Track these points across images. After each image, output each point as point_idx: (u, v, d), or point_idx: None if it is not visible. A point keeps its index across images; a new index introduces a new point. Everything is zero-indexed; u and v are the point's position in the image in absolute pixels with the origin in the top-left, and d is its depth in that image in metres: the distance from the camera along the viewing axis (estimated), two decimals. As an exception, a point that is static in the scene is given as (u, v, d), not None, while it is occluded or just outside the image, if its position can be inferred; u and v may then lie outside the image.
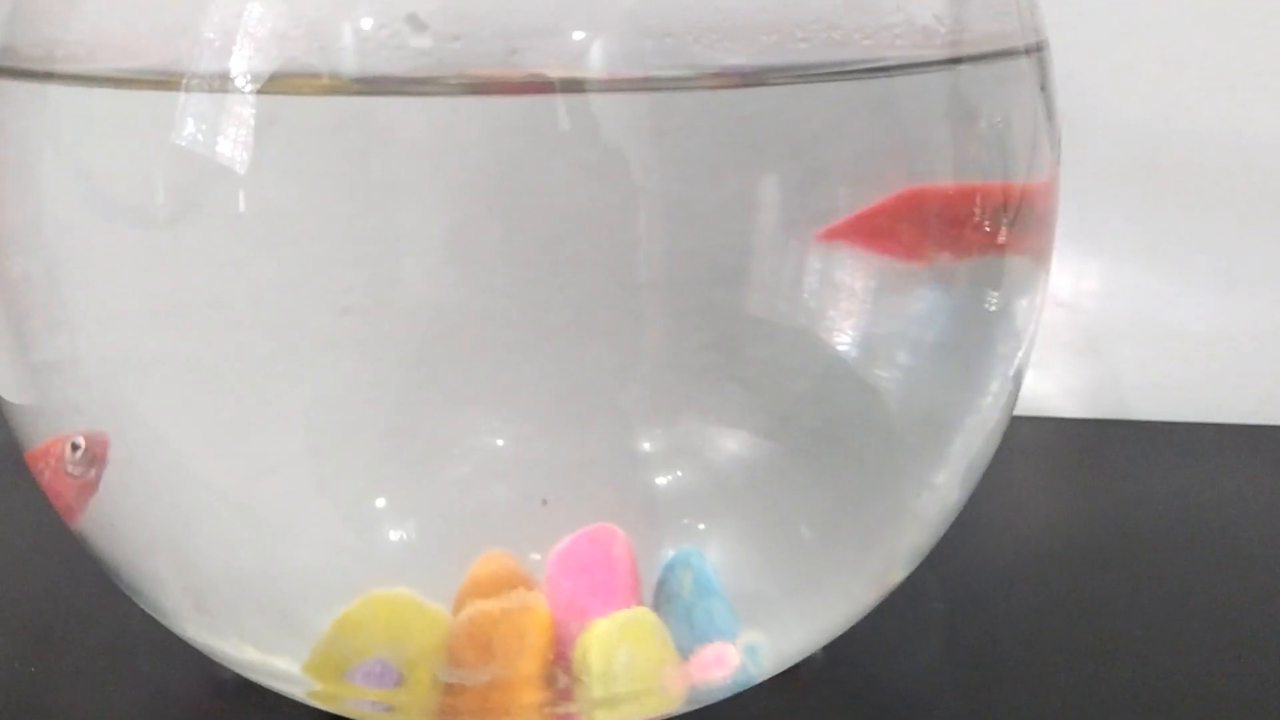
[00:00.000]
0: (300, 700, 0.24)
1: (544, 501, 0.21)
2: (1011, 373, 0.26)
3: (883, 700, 0.28)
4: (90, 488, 0.21)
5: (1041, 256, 0.25)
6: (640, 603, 0.23)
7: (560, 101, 0.19)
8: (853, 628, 0.26)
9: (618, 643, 0.22)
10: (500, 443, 0.21)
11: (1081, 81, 0.42)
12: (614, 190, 0.19)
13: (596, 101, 0.19)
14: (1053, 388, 0.47)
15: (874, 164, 0.21)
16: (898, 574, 0.26)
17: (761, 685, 0.25)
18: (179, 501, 0.22)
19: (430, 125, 0.19)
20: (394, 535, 0.22)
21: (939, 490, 0.25)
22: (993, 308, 0.24)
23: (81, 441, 0.20)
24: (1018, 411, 0.27)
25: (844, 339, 0.21)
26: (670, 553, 0.23)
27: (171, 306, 0.21)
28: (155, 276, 0.21)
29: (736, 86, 0.20)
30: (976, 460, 0.25)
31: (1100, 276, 0.46)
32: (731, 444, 0.22)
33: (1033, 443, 0.44)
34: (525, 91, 0.19)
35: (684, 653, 0.23)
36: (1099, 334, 0.46)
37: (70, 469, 0.20)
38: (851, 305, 0.21)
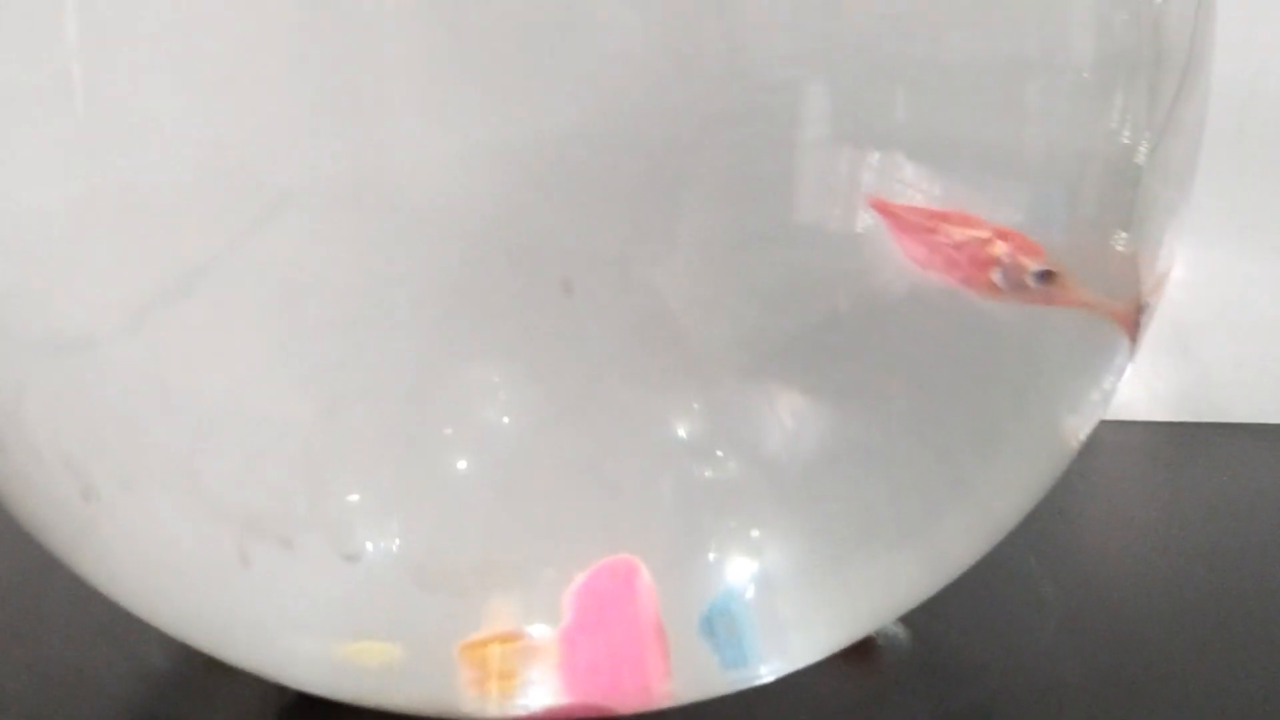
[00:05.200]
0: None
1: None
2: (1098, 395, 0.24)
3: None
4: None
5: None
6: (664, 638, 0.21)
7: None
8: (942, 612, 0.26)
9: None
10: (508, 427, 0.19)
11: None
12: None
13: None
14: (1138, 389, 0.46)
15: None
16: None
17: (835, 664, 0.24)
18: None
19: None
20: (390, 578, 0.20)
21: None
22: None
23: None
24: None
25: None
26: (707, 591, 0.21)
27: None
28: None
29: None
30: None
31: (1185, 263, 0.44)
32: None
33: (1121, 445, 0.43)
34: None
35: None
36: (1187, 328, 0.45)
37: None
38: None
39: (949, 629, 0.29)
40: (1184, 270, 0.44)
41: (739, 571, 0.21)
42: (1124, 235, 0.21)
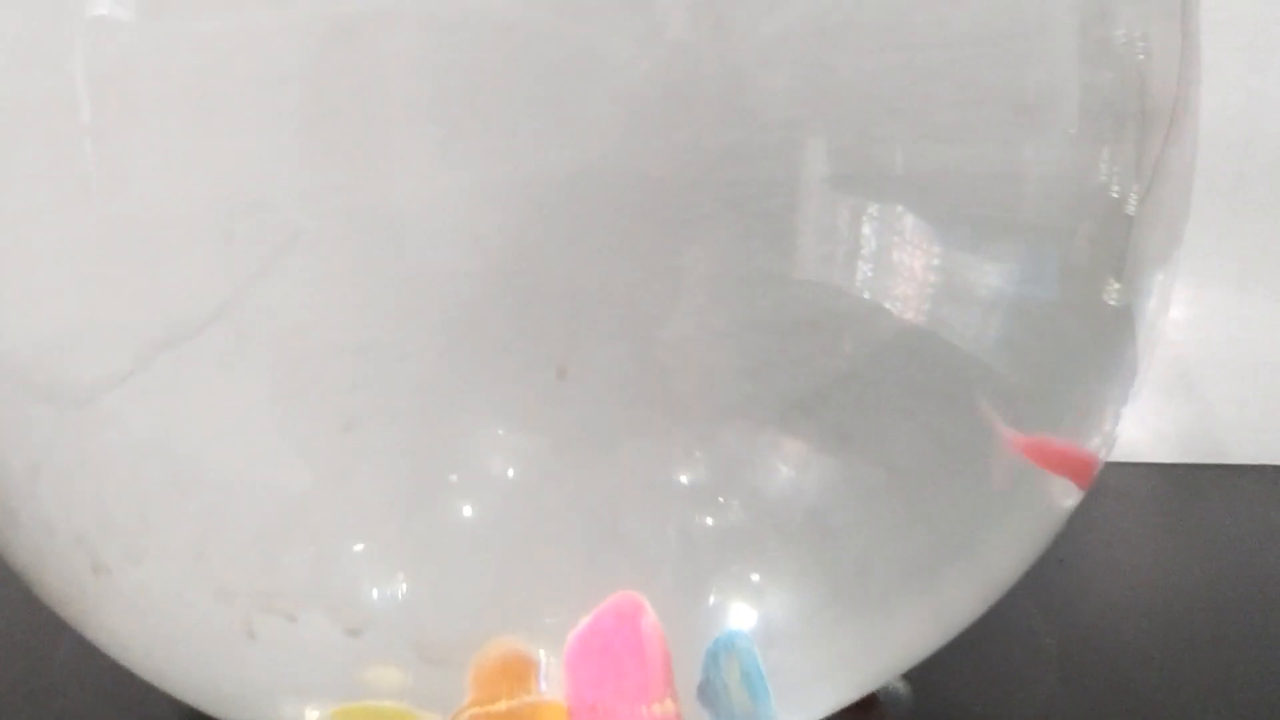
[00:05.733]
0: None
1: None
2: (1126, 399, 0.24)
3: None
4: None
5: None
6: (674, 694, 0.20)
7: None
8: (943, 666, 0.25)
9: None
10: (511, 476, 0.19)
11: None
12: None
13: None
14: (1140, 431, 0.45)
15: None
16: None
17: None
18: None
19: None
20: (393, 650, 0.20)
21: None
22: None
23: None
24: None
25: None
26: (712, 632, 0.21)
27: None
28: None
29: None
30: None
31: (1187, 303, 0.44)
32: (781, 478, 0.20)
33: (1123, 489, 0.43)
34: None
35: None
36: (1190, 370, 0.45)
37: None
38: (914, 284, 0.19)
39: (949, 683, 0.29)
40: (1186, 311, 0.44)
41: (738, 624, 0.20)
42: (1117, 286, 0.21)
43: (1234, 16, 0.41)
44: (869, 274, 0.18)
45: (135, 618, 0.21)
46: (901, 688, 0.28)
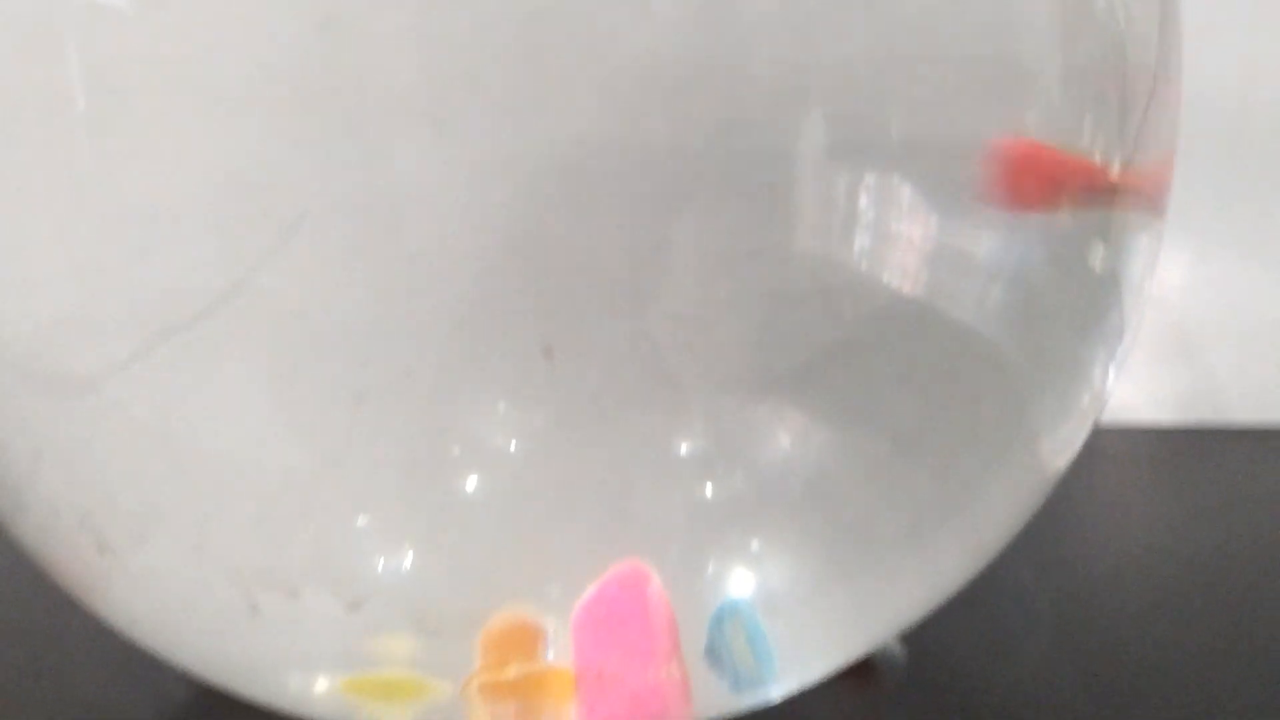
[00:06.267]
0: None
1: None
2: (1114, 360, 0.23)
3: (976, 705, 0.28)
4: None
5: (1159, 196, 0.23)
6: (680, 659, 0.20)
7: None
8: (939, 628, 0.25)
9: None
10: (516, 449, 0.19)
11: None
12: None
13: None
14: (1139, 395, 0.44)
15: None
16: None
17: (832, 683, 0.24)
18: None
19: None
20: (394, 623, 0.20)
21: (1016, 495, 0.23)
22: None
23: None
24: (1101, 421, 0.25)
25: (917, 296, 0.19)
26: (716, 598, 0.21)
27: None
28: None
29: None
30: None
31: (1186, 268, 0.43)
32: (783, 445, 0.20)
33: (1122, 453, 0.42)
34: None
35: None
36: (1189, 332, 0.44)
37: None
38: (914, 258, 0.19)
39: (945, 645, 0.28)
40: (1184, 275, 0.44)
41: (741, 591, 0.21)
42: (1102, 250, 0.21)
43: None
44: (864, 244, 0.18)
45: (142, 596, 0.21)
46: (897, 650, 0.28)
